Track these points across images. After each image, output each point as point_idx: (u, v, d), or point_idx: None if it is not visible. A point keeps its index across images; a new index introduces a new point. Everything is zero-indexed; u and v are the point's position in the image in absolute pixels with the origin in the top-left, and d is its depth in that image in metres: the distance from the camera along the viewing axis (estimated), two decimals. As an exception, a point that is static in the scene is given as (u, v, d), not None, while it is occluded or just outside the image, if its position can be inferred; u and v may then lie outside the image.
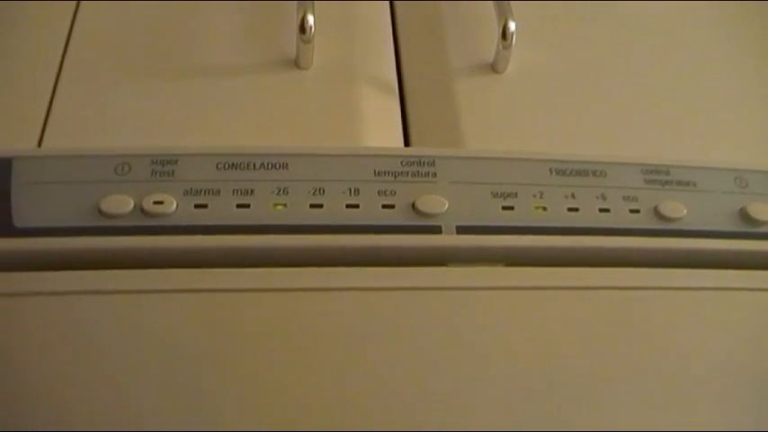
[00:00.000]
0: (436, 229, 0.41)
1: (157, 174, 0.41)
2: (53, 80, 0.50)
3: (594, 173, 0.44)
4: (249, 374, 0.37)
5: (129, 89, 0.51)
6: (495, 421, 0.37)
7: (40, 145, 0.47)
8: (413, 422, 0.36)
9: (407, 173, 0.42)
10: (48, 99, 0.49)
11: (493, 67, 0.54)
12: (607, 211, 0.42)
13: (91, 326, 0.38)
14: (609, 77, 0.54)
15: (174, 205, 0.40)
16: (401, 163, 0.42)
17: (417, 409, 0.37)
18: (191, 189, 0.41)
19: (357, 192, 0.41)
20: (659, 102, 0.53)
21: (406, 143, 0.51)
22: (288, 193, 0.41)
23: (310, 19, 0.51)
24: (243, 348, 0.38)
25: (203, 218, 0.40)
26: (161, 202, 0.40)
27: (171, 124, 0.50)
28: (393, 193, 0.41)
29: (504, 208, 0.42)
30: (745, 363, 0.40)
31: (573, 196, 0.43)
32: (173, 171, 0.41)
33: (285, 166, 0.42)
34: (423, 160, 0.43)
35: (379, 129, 0.51)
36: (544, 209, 0.42)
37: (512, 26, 0.52)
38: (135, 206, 0.40)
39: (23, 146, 0.47)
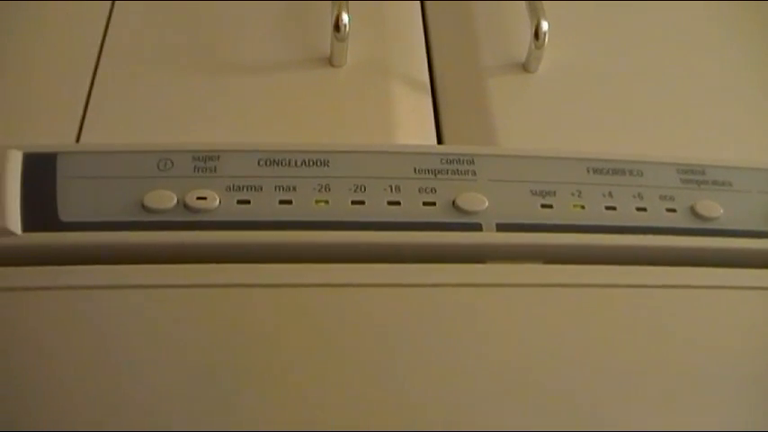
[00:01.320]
0: (477, 227, 0.41)
1: (200, 170, 0.42)
2: (90, 76, 0.51)
3: (631, 172, 0.44)
4: (291, 368, 0.37)
5: (164, 86, 0.51)
6: (531, 414, 0.37)
7: (78, 140, 0.48)
8: (452, 416, 0.37)
9: (447, 170, 0.43)
10: (86, 94, 0.50)
11: (525, 67, 0.54)
12: (644, 210, 0.43)
13: (136, 319, 0.38)
14: (641, 77, 0.54)
15: (217, 201, 0.41)
16: (441, 161, 0.43)
17: (458, 402, 0.37)
18: (233, 185, 0.41)
19: (398, 189, 0.42)
20: (693, 101, 0.53)
21: (439, 141, 0.51)
22: (330, 189, 0.41)
23: (345, 18, 0.51)
24: (286, 343, 0.38)
25: (246, 213, 0.41)
26: (204, 198, 0.41)
27: (206, 121, 0.50)
28: (434, 191, 0.42)
29: (543, 206, 0.42)
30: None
31: (610, 195, 0.43)
32: (215, 167, 0.42)
33: (326, 162, 0.42)
34: (462, 158, 0.43)
35: (412, 126, 0.52)
36: (582, 207, 0.42)
37: (544, 26, 0.52)
38: (178, 201, 0.41)
39: (62, 141, 0.47)
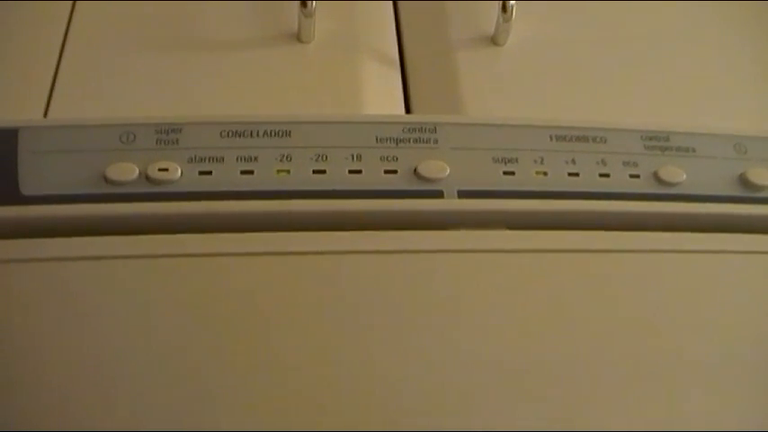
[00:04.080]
0: (438, 194, 0.41)
1: (162, 142, 0.42)
2: (58, 51, 0.51)
3: (594, 139, 0.44)
4: (254, 336, 0.37)
5: (133, 61, 0.51)
6: (496, 383, 0.37)
7: (45, 115, 0.48)
8: (417, 383, 0.37)
9: (409, 139, 0.43)
10: (53, 70, 0.50)
11: (493, 40, 0.54)
12: (607, 176, 0.43)
13: (98, 291, 0.38)
14: (608, 48, 0.54)
15: (179, 172, 0.41)
16: (403, 129, 0.43)
17: (420, 369, 0.37)
18: (195, 156, 0.41)
19: (359, 158, 0.42)
20: (659, 70, 0.53)
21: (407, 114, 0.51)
22: (291, 159, 0.41)
23: (312, -7, 0.51)
24: (247, 310, 0.38)
25: (208, 184, 0.41)
26: (166, 170, 0.41)
27: (175, 97, 0.50)
28: (395, 159, 0.42)
29: (505, 173, 0.42)
30: (743, 325, 0.40)
31: (573, 161, 0.43)
32: (177, 139, 0.42)
33: (288, 133, 0.42)
34: (424, 126, 0.43)
35: (381, 100, 0.52)
36: (545, 174, 0.42)
37: (512, -1, 0.52)
38: (140, 173, 0.41)
39: (29, 116, 0.47)
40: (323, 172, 0.41)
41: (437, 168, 0.42)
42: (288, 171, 0.41)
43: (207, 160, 0.41)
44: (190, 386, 0.36)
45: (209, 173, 0.41)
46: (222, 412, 0.35)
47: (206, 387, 0.36)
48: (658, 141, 0.44)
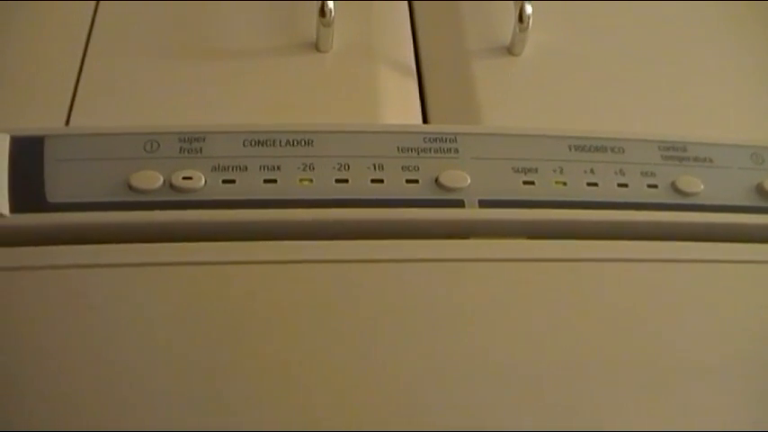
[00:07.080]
0: (459, 203, 0.42)
1: (185, 151, 0.42)
2: (79, 60, 0.51)
3: (613, 149, 0.44)
4: (278, 343, 0.38)
5: (153, 70, 0.52)
6: (514, 390, 0.37)
7: (67, 123, 0.48)
8: (435, 392, 0.37)
9: (430, 149, 0.43)
10: (74, 78, 0.50)
11: (509, 50, 0.55)
12: (625, 186, 0.43)
13: (123, 298, 0.39)
14: (624, 57, 0.55)
15: (203, 181, 0.41)
16: (424, 139, 0.43)
17: (441, 378, 0.38)
18: (218, 165, 0.42)
19: (381, 167, 0.42)
20: (676, 80, 0.54)
21: (425, 123, 0.52)
22: (314, 168, 0.42)
23: (330, 3, 0.51)
24: (271, 318, 0.38)
25: (231, 193, 0.41)
26: (190, 178, 0.41)
27: (195, 105, 0.50)
28: (416, 169, 0.42)
29: (525, 183, 0.43)
30: (761, 334, 0.40)
31: (592, 171, 0.43)
32: (200, 148, 0.42)
33: (311, 142, 0.43)
34: (445, 137, 0.44)
35: (398, 110, 0.52)
36: (564, 184, 0.43)
37: (528, 9, 0.53)
38: (164, 182, 0.41)
39: (51, 124, 0.47)
40: (345, 181, 0.42)
41: (458, 178, 0.42)
42: (311, 180, 0.42)
43: (230, 169, 0.42)
44: (212, 394, 0.37)
45: (233, 181, 0.41)
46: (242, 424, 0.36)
47: (229, 396, 0.36)
48: (676, 152, 0.45)
